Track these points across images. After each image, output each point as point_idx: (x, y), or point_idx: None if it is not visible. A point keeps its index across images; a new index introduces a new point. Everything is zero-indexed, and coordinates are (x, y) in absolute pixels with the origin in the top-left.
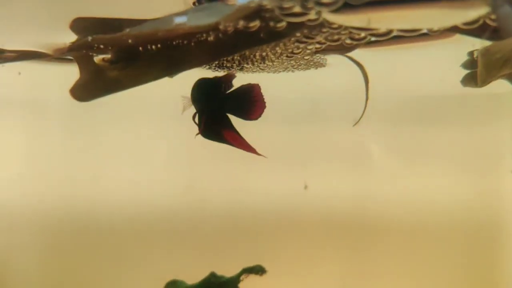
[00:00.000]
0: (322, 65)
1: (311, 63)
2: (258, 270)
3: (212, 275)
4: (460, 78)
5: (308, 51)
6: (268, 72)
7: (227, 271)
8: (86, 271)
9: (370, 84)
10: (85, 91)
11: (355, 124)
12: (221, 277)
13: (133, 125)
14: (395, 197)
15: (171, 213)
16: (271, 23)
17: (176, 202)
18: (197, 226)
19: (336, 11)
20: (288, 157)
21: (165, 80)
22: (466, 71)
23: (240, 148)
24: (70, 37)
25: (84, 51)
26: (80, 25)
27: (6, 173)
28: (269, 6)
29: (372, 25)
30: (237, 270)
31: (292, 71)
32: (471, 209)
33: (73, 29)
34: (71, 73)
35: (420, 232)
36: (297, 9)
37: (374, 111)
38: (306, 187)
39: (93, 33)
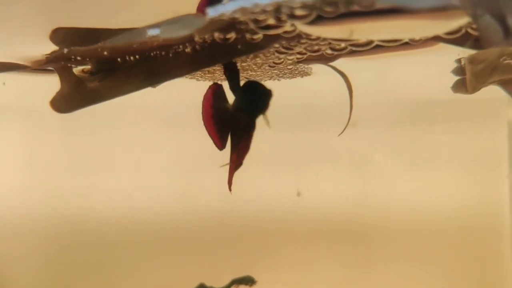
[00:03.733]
0: (307, 74)
1: (296, 72)
2: (248, 280)
3: (202, 286)
4: (451, 83)
5: (289, 61)
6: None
7: (218, 281)
8: (79, 280)
9: (354, 93)
10: (65, 102)
11: (340, 134)
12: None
13: (126, 134)
14: (390, 202)
15: (162, 221)
16: (247, 35)
17: (168, 211)
18: (188, 235)
19: (312, 23)
20: (281, 164)
21: (159, 88)
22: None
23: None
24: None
25: (63, 63)
26: (60, 35)
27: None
28: (242, 19)
29: (351, 36)
30: (229, 280)
31: (278, 79)
32: (467, 213)
33: (53, 40)
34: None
35: (417, 237)
36: (271, 21)
37: (367, 116)
38: (299, 194)
39: (72, 44)
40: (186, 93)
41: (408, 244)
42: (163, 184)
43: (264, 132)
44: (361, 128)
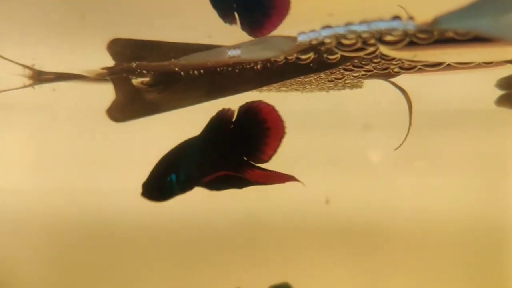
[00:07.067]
0: (358, 86)
1: (348, 85)
2: (285, 287)
3: None
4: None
5: (352, 77)
6: (302, 92)
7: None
8: (87, 279)
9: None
10: (121, 112)
11: (397, 148)
12: None
13: (137, 133)
14: (416, 209)
15: (195, 225)
16: (325, 55)
17: (199, 215)
18: (218, 240)
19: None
20: (309, 170)
21: None
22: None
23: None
24: (105, 58)
25: (125, 75)
26: (117, 46)
27: (19, 181)
28: (330, 43)
29: (414, 58)
30: (261, 285)
31: (327, 91)
32: (486, 222)
33: (110, 51)
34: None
35: (438, 244)
36: (359, 45)
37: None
38: (327, 201)
39: (130, 55)
40: None
41: (430, 250)
42: None
43: (297, 138)
44: (387, 135)
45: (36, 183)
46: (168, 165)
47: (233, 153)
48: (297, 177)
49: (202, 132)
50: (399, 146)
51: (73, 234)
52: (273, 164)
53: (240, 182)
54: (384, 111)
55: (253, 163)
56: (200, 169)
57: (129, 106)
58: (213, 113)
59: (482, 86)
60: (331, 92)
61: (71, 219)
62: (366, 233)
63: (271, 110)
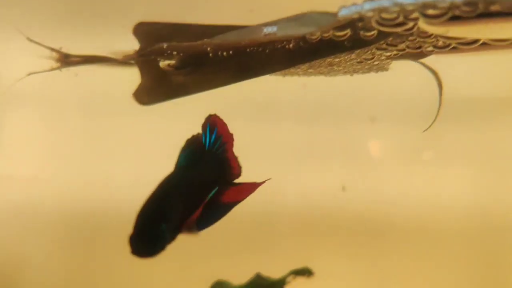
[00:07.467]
0: (385, 69)
1: (374, 67)
2: (305, 272)
3: (258, 276)
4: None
5: (382, 58)
6: (326, 76)
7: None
8: (102, 272)
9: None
10: (148, 95)
11: (425, 130)
12: (267, 278)
13: (148, 121)
14: (434, 198)
15: None
16: (361, 32)
17: None
18: (237, 227)
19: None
20: (326, 157)
21: None
22: None
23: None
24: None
25: (153, 57)
26: (144, 30)
27: (38, 169)
28: (372, 17)
29: (447, 33)
30: (280, 271)
31: (351, 75)
32: (493, 213)
33: (136, 34)
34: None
35: (451, 235)
36: (400, 19)
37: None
38: (344, 188)
39: (157, 38)
40: None
41: (447, 242)
42: None
43: (312, 126)
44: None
45: (55, 172)
46: (155, 214)
47: (209, 180)
48: (314, 164)
49: (176, 168)
50: (427, 128)
51: (91, 226)
52: (289, 152)
53: (218, 210)
54: (404, 99)
55: (228, 181)
56: (186, 209)
57: (155, 89)
58: (232, 100)
59: (503, 73)
60: (348, 78)
61: (90, 211)
62: (382, 221)
63: (222, 123)
